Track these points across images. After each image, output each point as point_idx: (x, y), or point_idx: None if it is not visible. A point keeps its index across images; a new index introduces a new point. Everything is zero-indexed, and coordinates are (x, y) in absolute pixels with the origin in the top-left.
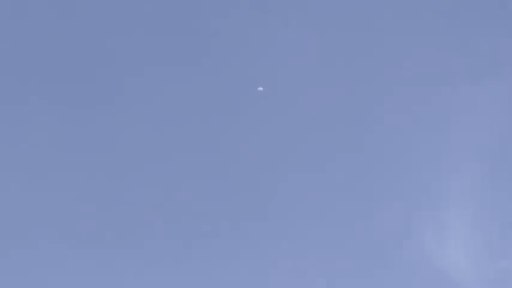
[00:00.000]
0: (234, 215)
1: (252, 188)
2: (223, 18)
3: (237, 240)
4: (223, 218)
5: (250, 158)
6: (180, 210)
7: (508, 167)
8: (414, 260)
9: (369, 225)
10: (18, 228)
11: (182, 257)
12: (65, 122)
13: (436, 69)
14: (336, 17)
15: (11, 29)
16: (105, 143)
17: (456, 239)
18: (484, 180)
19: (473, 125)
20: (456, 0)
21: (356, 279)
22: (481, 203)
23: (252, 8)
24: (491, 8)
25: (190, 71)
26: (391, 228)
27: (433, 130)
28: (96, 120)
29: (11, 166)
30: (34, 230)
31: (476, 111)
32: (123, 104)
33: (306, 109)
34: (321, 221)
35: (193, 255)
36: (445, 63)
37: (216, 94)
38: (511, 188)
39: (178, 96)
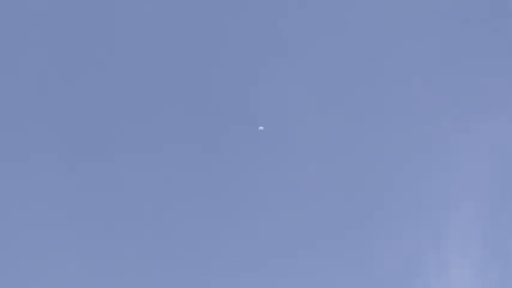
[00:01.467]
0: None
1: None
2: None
3: None
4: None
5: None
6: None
7: (511, 205)
8: None
9: (373, 267)
10: None
11: None
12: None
13: (441, 106)
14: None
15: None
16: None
17: (460, 280)
18: (488, 220)
19: (474, 164)
20: (462, 37)
21: None
22: (484, 242)
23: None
24: (498, 43)
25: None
26: (396, 269)
27: (436, 169)
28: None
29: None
30: None
31: (478, 150)
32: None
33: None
34: (324, 258)
35: None
36: (451, 101)
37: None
38: None
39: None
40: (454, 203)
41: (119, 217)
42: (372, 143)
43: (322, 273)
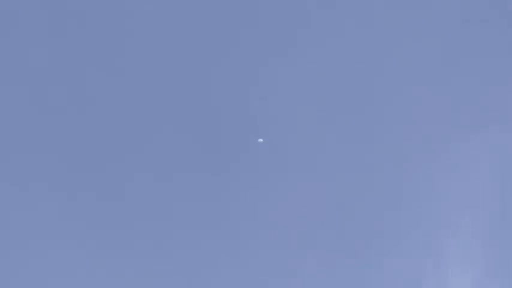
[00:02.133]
0: None
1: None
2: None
3: None
4: None
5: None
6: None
7: (510, 221)
8: None
9: (372, 280)
10: None
11: None
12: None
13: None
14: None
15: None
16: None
17: None
18: (487, 235)
19: (473, 179)
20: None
21: None
22: (484, 256)
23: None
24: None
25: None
26: (395, 282)
27: (434, 183)
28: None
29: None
30: None
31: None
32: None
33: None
34: (322, 267)
35: None
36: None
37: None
38: None
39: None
40: (453, 215)
41: (119, 229)
42: (370, 147)
43: (321, 283)
